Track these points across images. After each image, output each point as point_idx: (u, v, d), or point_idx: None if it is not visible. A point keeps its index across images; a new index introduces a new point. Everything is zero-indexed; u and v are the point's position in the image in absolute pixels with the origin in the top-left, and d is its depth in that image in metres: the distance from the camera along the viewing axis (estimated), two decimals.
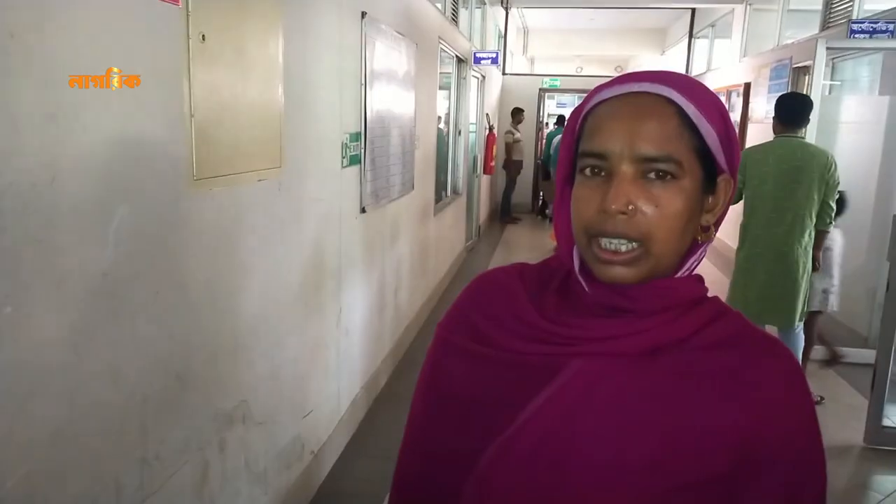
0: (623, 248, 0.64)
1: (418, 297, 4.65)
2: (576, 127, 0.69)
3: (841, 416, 3.34)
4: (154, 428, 1.53)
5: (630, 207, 0.63)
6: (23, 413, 1.16)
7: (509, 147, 9.49)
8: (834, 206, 3.31)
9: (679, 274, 0.69)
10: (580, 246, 0.67)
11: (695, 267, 0.70)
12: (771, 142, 3.39)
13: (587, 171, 0.66)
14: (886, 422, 3.17)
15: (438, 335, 0.78)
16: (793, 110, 3.35)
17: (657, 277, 0.66)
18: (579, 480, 0.63)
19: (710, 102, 0.66)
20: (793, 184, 3.27)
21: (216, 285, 1.78)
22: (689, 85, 0.66)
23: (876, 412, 3.13)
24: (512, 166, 9.53)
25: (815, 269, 3.40)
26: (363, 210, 3.10)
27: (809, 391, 0.67)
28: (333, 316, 2.79)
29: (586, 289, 0.69)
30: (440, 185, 5.92)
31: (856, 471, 3.01)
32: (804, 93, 3.45)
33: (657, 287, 0.66)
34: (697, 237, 0.69)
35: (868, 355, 3.56)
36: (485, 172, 8.62)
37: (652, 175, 0.63)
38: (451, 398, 0.72)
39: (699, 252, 0.70)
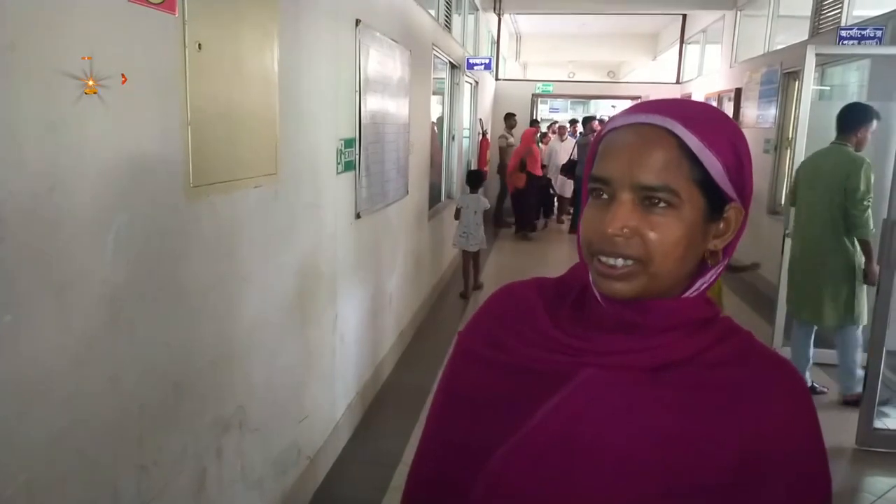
0: (619, 264, 0.67)
1: (413, 303, 4.66)
2: (594, 153, 0.72)
3: (833, 419, 3.38)
4: (152, 435, 1.53)
5: (625, 231, 0.66)
6: (22, 421, 1.17)
7: (503, 151, 9.54)
8: (857, 213, 3.32)
9: (688, 294, 0.71)
10: (586, 260, 0.71)
11: (704, 288, 0.72)
12: (821, 149, 3.58)
13: (594, 193, 0.70)
14: (878, 424, 3.21)
15: (459, 342, 0.82)
16: (838, 118, 3.51)
17: (661, 295, 0.69)
18: (585, 483, 0.66)
19: (719, 134, 0.67)
20: (822, 188, 3.44)
21: (213, 292, 1.79)
22: (696, 117, 0.68)
23: (868, 414, 3.16)
24: (505, 171, 9.55)
25: (868, 282, 3.38)
26: (358, 216, 3.11)
27: (814, 408, 0.68)
28: (329, 322, 2.80)
29: (600, 300, 0.71)
30: (434, 191, 5.94)
31: (848, 472, 3.03)
32: (863, 102, 3.63)
33: (665, 305, 0.69)
34: (707, 260, 0.71)
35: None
36: None
37: (651, 202, 0.66)
38: (467, 400, 0.76)
39: (709, 274, 0.72)
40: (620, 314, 0.70)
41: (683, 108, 0.68)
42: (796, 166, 3.80)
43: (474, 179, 5.84)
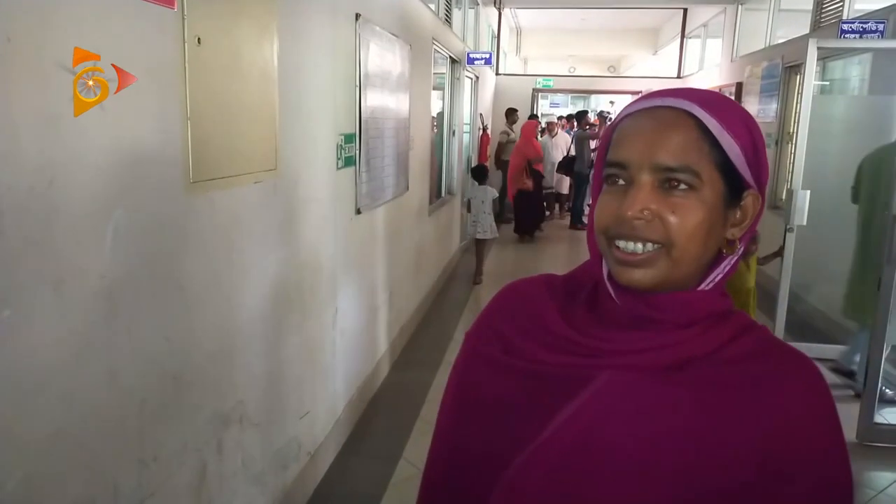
0: (640, 250, 0.65)
1: (413, 298, 4.66)
2: (607, 140, 0.71)
3: None
4: (152, 429, 1.53)
5: (645, 213, 0.64)
6: (22, 415, 1.17)
7: (501, 147, 9.51)
8: None
9: (703, 286, 0.69)
10: (602, 249, 0.69)
11: (720, 279, 0.70)
12: (886, 143, 3.57)
13: (609, 179, 0.68)
14: (878, 419, 3.21)
15: (466, 344, 0.79)
16: None
17: (678, 286, 0.67)
18: (607, 490, 0.63)
19: (736, 118, 0.67)
20: (885, 184, 3.38)
21: (213, 287, 1.79)
22: (712, 100, 0.67)
23: (868, 409, 3.16)
24: (503, 167, 9.52)
25: None
26: (358, 211, 3.10)
27: (834, 405, 0.66)
28: (329, 317, 2.79)
29: (614, 297, 0.70)
30: (435, 186, 5.95)
31: None
32: None
33: (682, 298, 0.67)
34: (723, 250, 0.69)
35: None
36: None
37: (671, 185, 0.65)
38: (478, 406, 0.73)
39: (724, 264, 0.70)
40: (635, 309, 0.68)
41: (699, 93, 0.68)
42: (797, 161, 3.78)
43: (479, 174, 6.42)
